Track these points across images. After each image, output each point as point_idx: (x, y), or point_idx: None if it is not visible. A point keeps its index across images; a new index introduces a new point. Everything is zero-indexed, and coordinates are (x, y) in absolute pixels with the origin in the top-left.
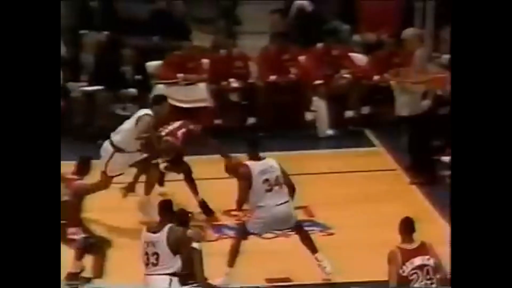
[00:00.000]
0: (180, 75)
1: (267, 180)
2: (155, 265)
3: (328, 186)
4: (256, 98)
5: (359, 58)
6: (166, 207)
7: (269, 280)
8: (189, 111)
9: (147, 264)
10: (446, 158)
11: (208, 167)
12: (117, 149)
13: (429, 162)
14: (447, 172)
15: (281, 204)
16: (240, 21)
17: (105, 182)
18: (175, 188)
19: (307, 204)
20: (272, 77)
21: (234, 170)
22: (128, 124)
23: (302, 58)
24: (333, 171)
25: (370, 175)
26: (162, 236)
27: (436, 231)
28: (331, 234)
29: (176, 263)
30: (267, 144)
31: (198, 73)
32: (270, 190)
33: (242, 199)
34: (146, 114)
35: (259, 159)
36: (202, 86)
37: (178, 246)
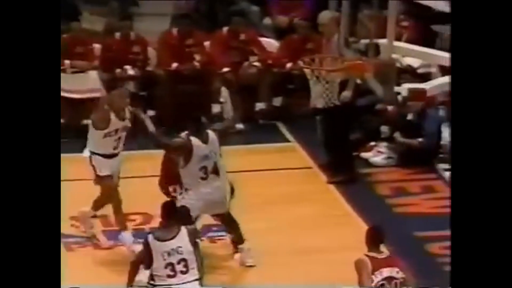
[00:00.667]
0: (67, 61)
1: (204, 167)
2: (184, 272)
3: (237, 185)
4: (155, 88)
5: (270, 43)
6: (172, 208)
7: None
8: (78, 103)
9: (173, 276)
10: (366, 154)
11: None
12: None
13: (347, 159)
14: (368, 170)
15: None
16: (137, 1)
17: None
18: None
19: None
20: (174, 65)
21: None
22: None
23: (207, 43)
24: (243, 170)
25: (284, 173)
26: (183, 240)
27: (357, 235)
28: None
29: (196, 264)
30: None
31: (88, 60)
32: (205, 179)
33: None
34: None
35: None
36: (93, 74)
37: (196, 244)
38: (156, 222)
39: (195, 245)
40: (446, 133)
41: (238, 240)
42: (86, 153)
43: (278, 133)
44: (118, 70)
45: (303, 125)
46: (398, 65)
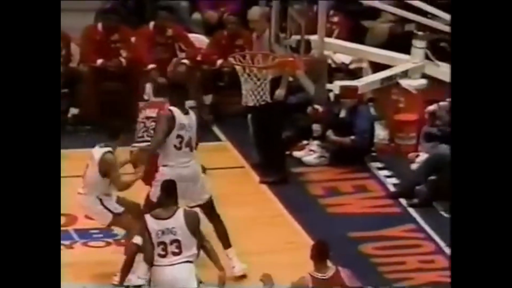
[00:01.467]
0: None
1: (180, 136)
2: (177, 254)
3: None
4: (79, 85)
5: (199, 39)
6: (173, 188)
7: None
8: None
9: (164, 255)
10: (299, 153)
11: None
12: None
13: (279, 158)
14: (300, 169)
15: (187, 165)
16: None
17: None
18: None
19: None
20: (99, 61)
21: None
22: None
23: (133, 39)
24: None
25: (216, 173)
26: (178, 220)
27: (291, 236)
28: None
29: (195, 249)
30: (93, 138)
31: None
32: (179, 149)
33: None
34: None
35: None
36: None
37: (196, 229)
38: (80, 223)
39: (193, 228)
40: (378, 131)
41: (223, 244)
42: None
43: (210, 132)
44: None
45: (234, 124)
46: (329, 61)
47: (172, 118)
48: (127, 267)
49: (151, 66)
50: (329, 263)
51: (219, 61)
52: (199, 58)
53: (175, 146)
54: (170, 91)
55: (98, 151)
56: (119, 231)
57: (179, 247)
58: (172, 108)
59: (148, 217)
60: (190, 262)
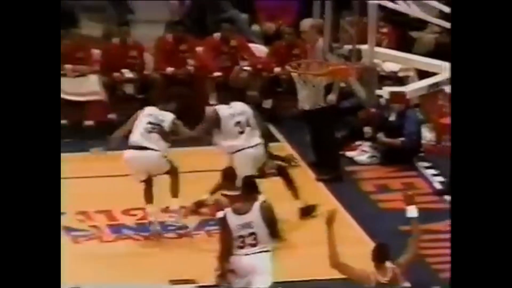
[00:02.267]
0: (68, 66)
1: (238, 122)
2: (253, 245)
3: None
4: (152, 91)
5: (259, 49)
6: (251, 183)
7: (173, 282)
8: (79, 105)
9: (242, 247)
10: (352, 153)
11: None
12: None
13: (334, 157)
14: (353, 168)
15: (254, 146)
16: (132, 9)
17: None
18: None
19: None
20: (169, 69)
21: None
22: None
23: (199, 49)
24: None
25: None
26: (255, 214)
27: (345, 230)
28: None
29: (269, 239)
30: None
31: (88, 64)
32: (242, 132)
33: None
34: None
35: (228, 103)
36: (93, 78)
37: (272, 221)
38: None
39: (268, 220)
40: (425, 133)
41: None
42: None
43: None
44: (116, 74)
45: (291, 126)
46: (379, 69)
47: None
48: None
49: (216, 73)
50: (388, 264)
51: (277, 69)
52: (259, 66)
53: (238, 131)
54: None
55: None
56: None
57: (255, 239)
58: (216, 106)
59: (228, 212)
60: (267, 251)
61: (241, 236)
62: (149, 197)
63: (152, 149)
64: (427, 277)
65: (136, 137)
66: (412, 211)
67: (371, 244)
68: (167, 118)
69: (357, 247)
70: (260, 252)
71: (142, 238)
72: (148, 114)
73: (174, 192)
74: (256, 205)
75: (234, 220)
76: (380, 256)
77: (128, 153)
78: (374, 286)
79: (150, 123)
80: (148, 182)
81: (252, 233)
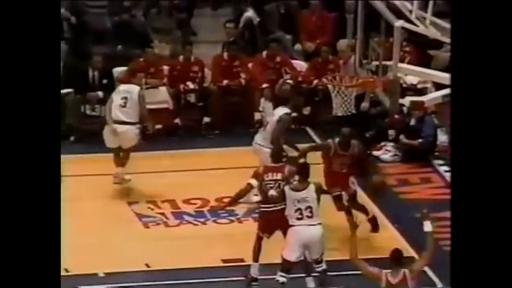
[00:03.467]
0: (143, 79)
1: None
2: (310, 217)
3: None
4: (210, 100)
5: (300, 65)
6: (306, 168)
7: (225, 261)
8: (152, 112)
9: (300, 218)
10: (377, 153)
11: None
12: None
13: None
14: (379, 165)
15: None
16: (195, 31)
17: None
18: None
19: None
20: (225, 81)
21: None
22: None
23: (250, 64)
24: None
25: (314, 167)
26: (310, 192)
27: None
28: None
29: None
30: (221, 141)
31: (159, 78)
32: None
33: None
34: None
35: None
36: (163, 89)
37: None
38: (212, 205)
39: (319, 197)
40: (440, 136)
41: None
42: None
43: (308, 136)
44: (181, 86)
45: (327, 129)
46: (402, 82)
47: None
48: (238, 196)
49: (264, 85)
50: (401, 269)
51: (315, 81)
52: (300, 79)
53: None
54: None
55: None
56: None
57: (311, 212)
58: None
59: (287, 189)
60: (320, 224)
61: (299, 209)
62: (117, 162)
63: (130, 123)
64: (442, 258)
65: (114, 113)
66: (427, 226)
67: (392, 229)
68: (134, 90)
69: (381, 231)
70: (316, 224)
71: (200, 223)
72: (119, 90)
73: (123, 163)
74: (312, 186)
75: (292, 195)
76: (395, 259)
77: (109, 127)
78: (384, 286)
79: (122, 98)
80: (117, 150)
81: (309, 207)
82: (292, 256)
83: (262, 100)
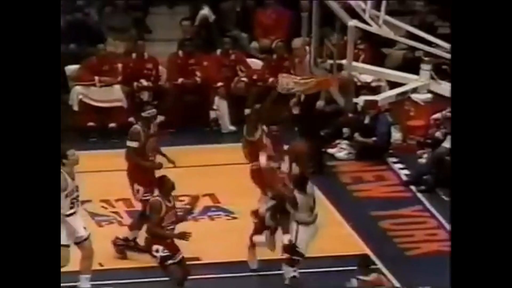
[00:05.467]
0: (96, 77)
1: None
2: None
3: (231, 176)
4: (165, 98)
5: (255, 63)
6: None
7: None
8: (106, 110)
9: None
10: (332, 150)
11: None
12: None
13: (317, 153)
14: (333, 163)
15: None
16: (150, 29)
17: None
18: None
19: (212, 192)
20: (180, 80)
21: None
22: None
23: (205, 63)
24: (235, 163)
25: None
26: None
27: (327, 214)
28: (235, 218)
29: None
30: (175, 139)
31: (113, 76)
32: None
33: None
34: None
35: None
36: (117, 87)
37: None
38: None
39: None
40: (394, 133)
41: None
42: None
43: None
44: (135, 84)
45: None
46: (356, 80)
47: None
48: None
49: (219, 84)
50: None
51: (270, 79)
52: (255, 77)
53: None
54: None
55: None
56: None
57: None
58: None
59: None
60: None
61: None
62: None
63: None
64: (395, 253)
65: None
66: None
67: (347, 227)
68: None
69: (336, 229)
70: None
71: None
72: None
73: None
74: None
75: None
76: (364, 264)
77: None
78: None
79: None
80: None
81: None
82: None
83: (217, 98)
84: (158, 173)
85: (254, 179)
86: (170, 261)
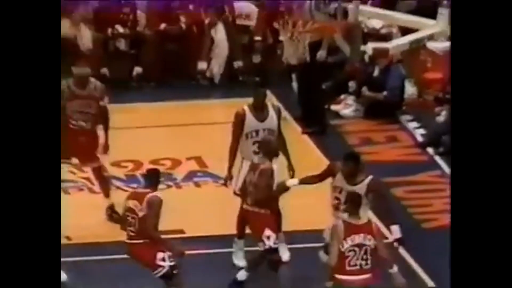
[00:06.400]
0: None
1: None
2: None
3: (220, 136)
4: (144, 47)
5: (248, 5)
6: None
7: (161, 232)
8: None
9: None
10: (336, 107)
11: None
12: None
13: (319, 111)
14: (338, 121)
15: None
16: None
17: None
18: None
19: (199, 155)
20: (162, 25)
21: None
22: None
23: (191, 6)
24: (225, 121)
25: None
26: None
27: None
28: (224, 184)
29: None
30: (156, 94)
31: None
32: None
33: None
34: None
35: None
36: (87, 33)
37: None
38: (145, 168)
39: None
40: (407, 87)
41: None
42: None
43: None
44: (109, 30)
45: (278, 81)
46: (363, 26)
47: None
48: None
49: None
50: (361, 214)
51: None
52: (247, 22)
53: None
54: None
55: None
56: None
57: None
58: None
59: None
60: None
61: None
62: None
63: None
64: (409, 225)
65: None
66: None
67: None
68: None
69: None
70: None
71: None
72: None
73: None
74: (367, 180)
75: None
76: (353, 203)
77: None
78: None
79: None
80: None
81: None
82: None
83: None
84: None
85: None
86: (176, 271)
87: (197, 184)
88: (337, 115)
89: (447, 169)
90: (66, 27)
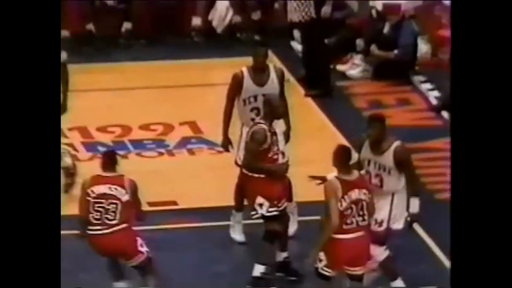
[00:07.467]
0: None
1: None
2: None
3: (217, 99)
4: (134, 0)
5: None
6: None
7: (152, 204)
8: None
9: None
10: (342, 67)
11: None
12: None
13: (324, 72)
14: (344, 83)
15: None
16: None
17: None
18: None
19: (193, 119)
20: None
21: None
22: None
23: None
24: (222, 83)
25: None
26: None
27: (333, 148)
28: (220, 152)
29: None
30: (147, 52)
31: None
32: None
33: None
34: None
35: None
36: None
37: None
38: (134, 133)
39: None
40: (421, 45)
41: None
42: None
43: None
44: None
45: (280, 40)
46: None
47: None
48: None
49: None
50: (352, 168)
51: None
52: None
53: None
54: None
55: None
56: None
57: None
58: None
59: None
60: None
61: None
62: None
63: None
64: (422, 196)
65: None
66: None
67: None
68: None
69: None
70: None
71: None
72: None
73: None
74: (393, 146)
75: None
76: (342, 158)
77: None
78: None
79: None
80: None
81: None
82: None
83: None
84: None
85: None
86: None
87: (191, 152)
88: (343, 75)
89: None
90: None
